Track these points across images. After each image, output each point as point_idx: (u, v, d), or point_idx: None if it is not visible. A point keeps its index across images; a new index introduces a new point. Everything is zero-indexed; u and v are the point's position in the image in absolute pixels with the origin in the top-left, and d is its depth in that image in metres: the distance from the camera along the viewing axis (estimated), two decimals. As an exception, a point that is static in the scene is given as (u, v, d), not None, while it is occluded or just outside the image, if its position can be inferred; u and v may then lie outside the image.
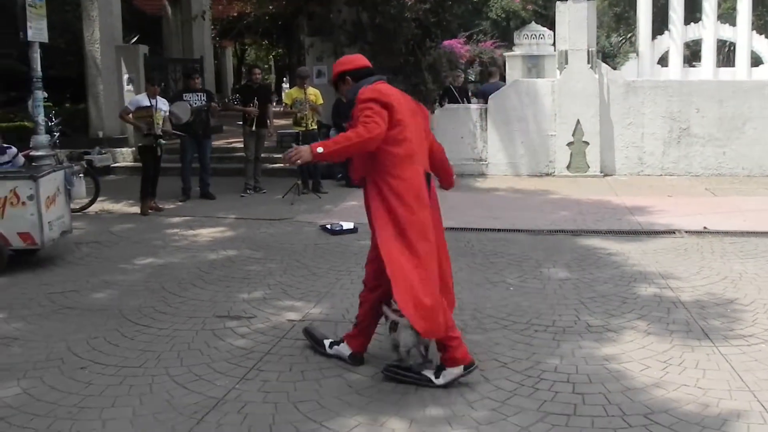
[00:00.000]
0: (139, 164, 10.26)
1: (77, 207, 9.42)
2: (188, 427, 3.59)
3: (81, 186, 8.28)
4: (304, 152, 3.88)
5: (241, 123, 11.34)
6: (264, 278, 6.29)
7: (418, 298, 3.78)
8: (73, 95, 17.94)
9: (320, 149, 3.86)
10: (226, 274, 6.43)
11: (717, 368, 4.24)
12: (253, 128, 10.60)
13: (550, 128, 12.42)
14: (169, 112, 9.69)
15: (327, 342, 4.44)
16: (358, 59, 4.36)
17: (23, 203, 6.58)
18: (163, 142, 9.49)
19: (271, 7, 19.72)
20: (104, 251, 7.44)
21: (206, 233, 8.19)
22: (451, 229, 8.18)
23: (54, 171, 7.06)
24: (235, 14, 21.21)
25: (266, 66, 41.06)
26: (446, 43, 18.13)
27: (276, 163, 12.15)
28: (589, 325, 5.01)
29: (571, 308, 5.38)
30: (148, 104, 9.42)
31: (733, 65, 15.37)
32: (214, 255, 7.16)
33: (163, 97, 9.88)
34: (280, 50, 36.01)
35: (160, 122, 9.44)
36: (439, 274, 3.98)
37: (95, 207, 9.72)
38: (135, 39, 17.29)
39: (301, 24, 22.36)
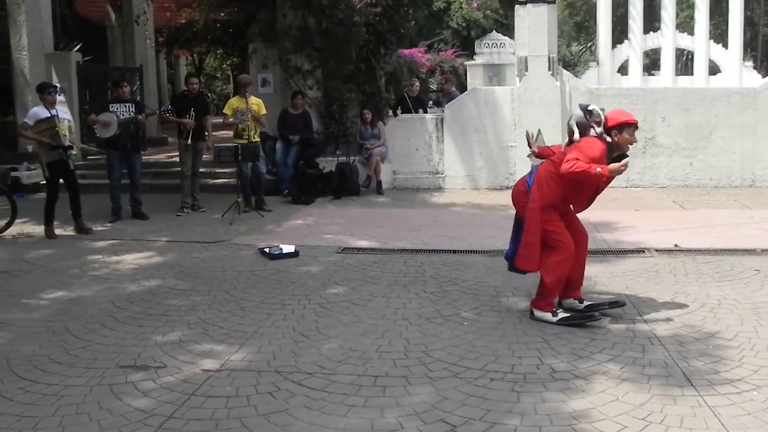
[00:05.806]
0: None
1: (-8, 230, 8.53)
2: None
3: (-23, 210, 7.35)
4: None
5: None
6: (185, 315, 5.49)
7: None
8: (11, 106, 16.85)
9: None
10: (143, 311, 5.62)
11: (705, 426, 3.59)
12: (189, 141, 9.71)
13: (509, 139, 11.81)
14: (95, 124, 8.78)
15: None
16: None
17: None
18: (74, 153, 8.56)
19: (222, 14, 18.84)
20: (10, 283, 6.55)
21: (131, 259, 7.35)
22: (403, 250, 7.58)
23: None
24: (183, 21, 20.24)
25: (220, 75, 40.04)
26: (407, 51, 17.55)
27: (217, 179, 11.31)
28: (553, 370, 4.32)
29: (533, 348, 4.69)
30: (49, 115, 8.47)
31: (692, 74, 15.34)
32: (134, 286, 6.33)
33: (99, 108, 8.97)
34: (235, 59, 35.02)
35: (67, 133, 8.53)
36: None
37: (13, 230, 8.78)
38: (78, 47, 16.32)
39: (254, 32, 21.52)
